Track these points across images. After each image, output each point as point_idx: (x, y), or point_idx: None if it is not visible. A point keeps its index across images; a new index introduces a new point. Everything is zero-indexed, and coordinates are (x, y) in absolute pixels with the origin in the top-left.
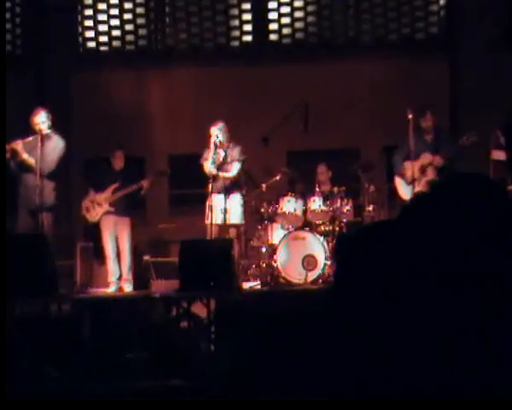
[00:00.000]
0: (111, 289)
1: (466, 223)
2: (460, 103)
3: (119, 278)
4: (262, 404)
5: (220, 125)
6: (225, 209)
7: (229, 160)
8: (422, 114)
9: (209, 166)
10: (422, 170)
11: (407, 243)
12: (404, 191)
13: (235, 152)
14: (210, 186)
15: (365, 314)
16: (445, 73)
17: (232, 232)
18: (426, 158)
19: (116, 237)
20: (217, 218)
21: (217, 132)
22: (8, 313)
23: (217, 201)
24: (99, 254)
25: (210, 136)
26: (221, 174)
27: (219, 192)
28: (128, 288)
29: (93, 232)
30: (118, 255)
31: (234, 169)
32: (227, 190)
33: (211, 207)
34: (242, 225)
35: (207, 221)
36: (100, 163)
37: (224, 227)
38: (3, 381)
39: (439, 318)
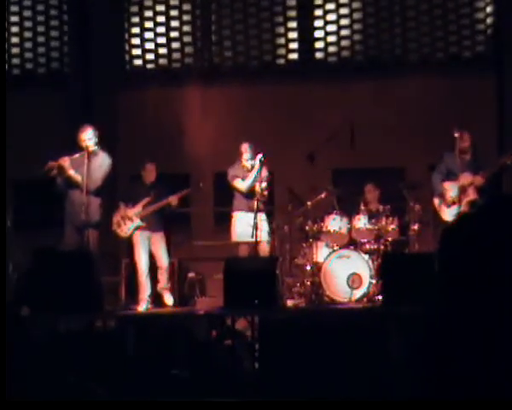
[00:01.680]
0: (142, 307)
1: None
2: (507, 122)
3: (151, 294)
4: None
5: (248, 145)
6: (271, 227)
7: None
8: (460, 134)
9: (248, 185)
10: (463, 190)
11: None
12: (445, 212)
13: (263, 172)
14: (255, 204)
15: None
16: (491, 91)
17: (265, 250)
18: (466, 178)
19: (150, 253)
20: (261, 236)
21: (249, 151)
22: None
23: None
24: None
25: (241, 153)
26: (265, 192)
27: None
28: (169, 299)
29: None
30: (150, 271)
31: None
32: (266, 209)
33: (256, 225)
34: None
35: (240, 239)
36: (132, 177)
37: (256, 245)
38: (3, 381)
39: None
